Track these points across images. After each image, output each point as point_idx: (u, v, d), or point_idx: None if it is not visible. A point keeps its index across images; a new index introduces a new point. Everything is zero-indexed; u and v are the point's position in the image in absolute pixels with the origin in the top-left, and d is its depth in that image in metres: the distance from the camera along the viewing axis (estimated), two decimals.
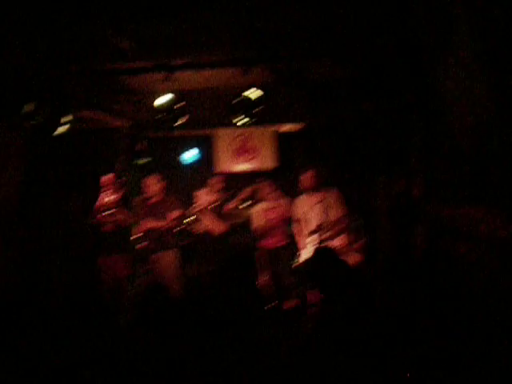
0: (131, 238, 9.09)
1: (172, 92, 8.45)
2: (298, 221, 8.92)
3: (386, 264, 8.32)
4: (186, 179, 10.69)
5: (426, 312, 5.64)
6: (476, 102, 3.77)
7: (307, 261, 5.64)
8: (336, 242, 8.46)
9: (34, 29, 6.53)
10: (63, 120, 8.10)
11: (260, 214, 9.27)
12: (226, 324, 4.64)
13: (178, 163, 11.15)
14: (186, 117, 8.49)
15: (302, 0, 6.20)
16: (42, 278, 8.03)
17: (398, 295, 6.76)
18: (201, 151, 11.16)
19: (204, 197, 8.98)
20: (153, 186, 9.10)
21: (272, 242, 9.22)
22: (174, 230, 8.98)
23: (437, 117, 5.27)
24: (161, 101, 8.42)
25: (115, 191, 9.10)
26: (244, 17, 6.60)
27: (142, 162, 10.74)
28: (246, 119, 8.36)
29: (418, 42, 5.06)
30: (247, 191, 9.83)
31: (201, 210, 8.82)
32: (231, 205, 9.64)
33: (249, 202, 9.82)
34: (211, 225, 8.80)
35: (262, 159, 11.03)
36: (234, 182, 10.51)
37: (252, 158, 11.04)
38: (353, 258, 7.99)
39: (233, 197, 9.79)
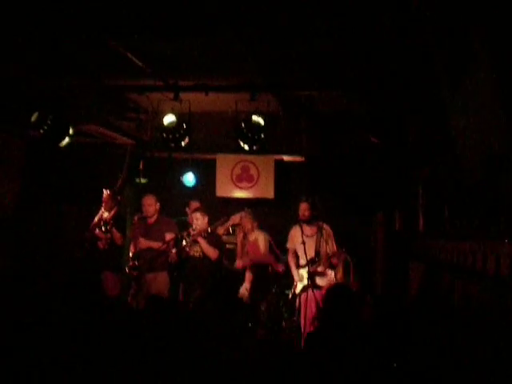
0: (127, 256, 9.03)
1: (178, 113, 8.45)
2: (292, 251, 8.88)
3: (380, 302, 8.25)
4: (185, 201, 10.63)
5: (424, 357, 5.55)
6: (488, 136, 3.77)
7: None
8: (327, 276, 8.42)
9: (44, 40, 6.52)
10: (66, 132, 8.09)
11: (241, 248, 9.36)
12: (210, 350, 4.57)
13: (178, 185, 11.11)
14: (190, 138, 8.48)
15: (313, 30, 6.19)
16: (33, 286, 7.93)
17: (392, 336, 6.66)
18: (201, 175, 11.14)
19: (201, 221, 8.92)
20: (150, 206, 9.04)
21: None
22: (168, 252, 8.91)
23: (444, 151, 5.27)
24: (167, 120, 8.41)
25: (111, 208, 9.06)
26: (254, 43, 6.62)
27: (141, 181, 10.70)
28: (250, 144, 8.36)
29: (430, 76, 5.07)
30: (234, 219, 9.80)
31: (198, 234, 8.75)
32: (220, 231, 9.62)
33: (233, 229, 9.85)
34: (206, 250, 8.73)
35: (260, 187, 11.02)
36: (232, 208, 10.48)
37: (251, 186, 11.03)
38: None
39: (223, 222, 9.75)
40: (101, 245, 8.93)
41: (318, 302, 8.04)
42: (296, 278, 8.66)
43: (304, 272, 8.51)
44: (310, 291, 8.15)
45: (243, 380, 4.35)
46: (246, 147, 8.46)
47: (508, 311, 3.87)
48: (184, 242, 8.74)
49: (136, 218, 9.26)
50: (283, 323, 9.10)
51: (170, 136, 8.55)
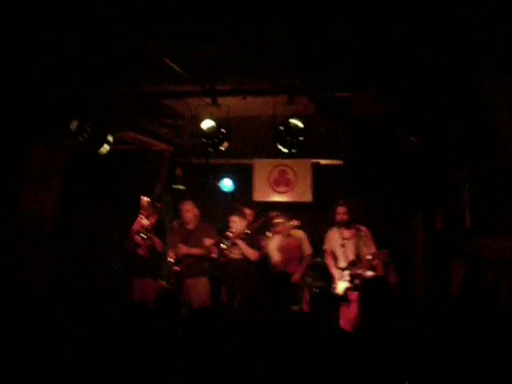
0: (167, 261, 9.09)
1: (216, 118, 8.48)
2: (329, 252, 8.87)
3: (422, 303, 8.18)
4: (223, 207, 10.68)
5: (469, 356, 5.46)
6: None
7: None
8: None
9: (81, 47, 6.59)
10: (106, 140, 8.16)
11: (275, 248, 9.25)
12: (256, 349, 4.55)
13: (216, 191, 11.15)
14: (228, 143, 8.50)
15: (349, 32, 6.18)
16: (74, 291, 8.02)
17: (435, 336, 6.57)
18: (238, 180, 11.16)
19: (239, 223, 8.96)
20: (189, 212, 9.11)
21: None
22: (208, 257, 8.96)
23: (489, 148, 5.20)
24: (205, 125, 8.44)
25: (151, 215, 9.12)
26: (290, 45, 6.63)
27: (180, 187, 10.75)
28: (289, 148, 8.36)
29: (471, 72, 5.02)
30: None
31: (236, 237, 8.80)
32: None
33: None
34: (246, 251, 8.78)
35: (298, 192, 11.01)
36: (269, 212, 10.48)
37: (288, 190, 11.03)
38: None
39: (265, 227, 9.74)
40: (141, 251, 8.99)
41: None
42: (336, 275, 8.63)
43: (345, 274, 8.49)
44: (351, 294, 8.13)
45: None
46: (285, 150, 8.46)
47: None
48: (222, 245, 8.79)
49: (176, 224, 9.31)
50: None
51: (208, 141, 8.58)
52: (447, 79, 6.33)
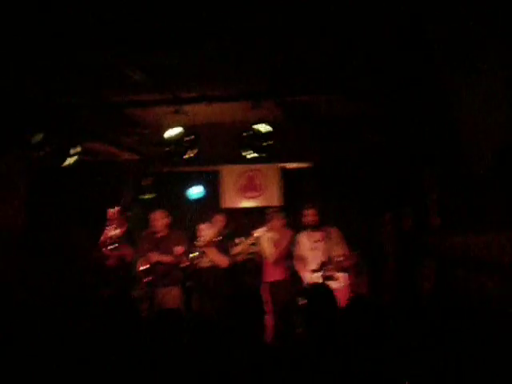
0: (138, 270, 9.02)
1: (181, 126, 8.44)
2: (301, 257, 8.85)
3: (392, 302, 8.22)
4: (192, 215, 10.64)
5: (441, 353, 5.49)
6: (498, 125, 3.75)
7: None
8: (339, 280, 8.39)
9: (42, 59, 6.52)
10: (71, 152, 8.08)
11: (270, 242, 9.15)
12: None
13: (184, 199, 11.11)
14: (195, 151, 8.46)
15: (311, 35, 6.19)
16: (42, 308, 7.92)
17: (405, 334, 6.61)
18: (207, 187, 11.13)
19: (208, 231, 8.93)
20: (159, 221, 9.06)
21: (274, 274, 9.08)
22: (180, 266, 8.91)
23: (453, 145, 5.24)
24: (170, 133, 8.40)
25: (120, 225, 9.05)
26: (254, 50, 6.62)
27: (147, 196, 10.70)
28: (255, 153, 8.35)
29: (433, 70, 5.06)
30: (255, 234, 9.67)
31: (205, 245, 8.76)
32: (241, 248, 9.53)
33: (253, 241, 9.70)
34: (216, 259, 8.75)
35: (267, 197, 11.03)
36: (239, 218, 10.48)
37: (258, 195, 11.03)
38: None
39: (235, 234, 9.70)
40: (110, 263, 8.91)
41: None
42: (307, 279, 8.62)
43: (315, 277, 8.49)
44: None
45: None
46: (251, 156, 8.45)
47: None
48: (192, 255, 8.76)
49: (145, 233, 9.25)
50: (297, 330, 9.05)
51: (174, 149, 8.54)
52: (412, 79, 6.38)
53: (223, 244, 9.03)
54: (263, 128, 8.22)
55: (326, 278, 8.30)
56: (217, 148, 10.11)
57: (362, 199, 9.92)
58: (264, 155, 8.36)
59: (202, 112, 8.52)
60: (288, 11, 5.56)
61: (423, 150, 7.03)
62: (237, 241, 9.64)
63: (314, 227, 8.65)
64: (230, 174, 11.09)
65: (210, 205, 10.89)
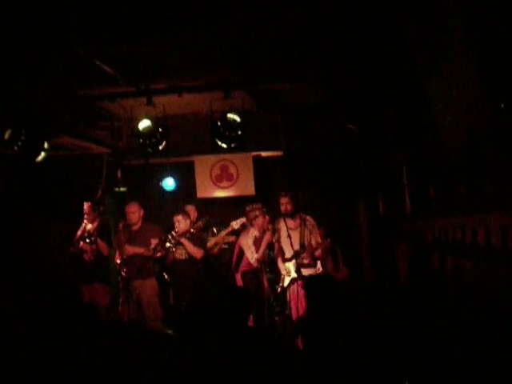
0: (115, 263, 9.00)
1: (152, 117, 8.41)
2: (278, 246, 8.88)
3: (370, 288, 8.28)
4: (166, 206, 10.60)
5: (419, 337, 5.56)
6: (468, 111, 3.79)
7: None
8: (313, 267, 8.45)
9: (10, 53, 6.44)
10: (41, 147, 8.01)
11: (252, 244, 9.12)
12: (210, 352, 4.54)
13: (158, 190, 11.07)
14: (167, 142, 8.45)
15: (280, 25, 6.19)
16: (20, 305, 7.85)
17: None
18: (180, 178, 11.10)
19: (183, 223, 8.90)
20: (134, 213, 9.00)
21: (245, 265, 9.09)
22: (155, 257, 8.90)
23: (425, 131, 5.29)
24: (142, 126, 8.36)
25: (94, 219, 9.00)
26: (224, 41, 6.61)
27: (120, 189, 10.65)
28: (228, 142, 8.36)
29: (405, 57, 5.10)
30: (234, 225, 9.63)
31: (180, 236, 8.74)
32: (217, 240, 9.51)
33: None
34: (191, 250, 8.73)
35: (240, 186, 11.00)
36: (214, 207, 10.48)
37: (231, 185, 11.02)
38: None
39: (210, 224, 9.68)
40: (86, 257, 8.87)
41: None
42: (282, 271, 8.66)
43: (291, 265, 8.53)
44: (298, 283, 8.18)
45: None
46: (224, 146, 8.45)
47: (501, 282, 3.90)
48: (168, 244, 8.73)
49: (120, 226, 9.20)
50: (276, 317, 9.11)
51: (147, 141, 8.51)
52: (383, 66, 6.41)
53: (199, 235, 9.01)
54: (237, 117, 8.22)
55: (300, 265, 8.33)
56: (189, 138, 10.10)
57: (336, 186, 9.96)
58: (235, 144, 8.37)
59: (172, 103, 8.51)
60: (256, 1, 5.56)
61: (395, 137, 7.09)
62: (214, 231, 9.65)
63: (289, 215, 8.65)
64: (204, 164, 11.05)
65: (185, 196, 10.87)
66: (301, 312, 8.16)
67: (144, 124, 8.39)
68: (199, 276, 8.85)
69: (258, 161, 10.99)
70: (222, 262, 10.08)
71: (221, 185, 11.04)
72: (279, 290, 8.77)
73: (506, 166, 3.44)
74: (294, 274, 8.41)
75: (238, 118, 8.31)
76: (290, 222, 8.63)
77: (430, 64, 4.42)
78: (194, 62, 7.28)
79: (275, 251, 8.94)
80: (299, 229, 8.64)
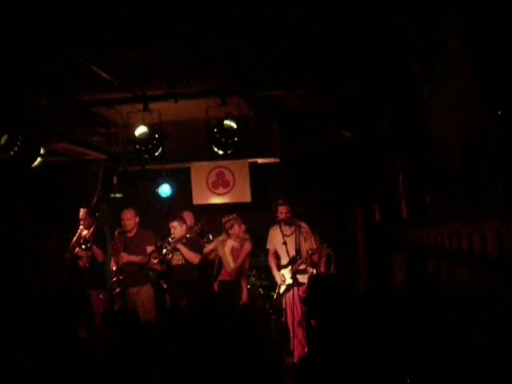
0: (109, 271, 8.97)
1: (149, 124, 8.41)
2: (272, 252, 8.88)
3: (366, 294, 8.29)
4: (163, 212, 10.60)
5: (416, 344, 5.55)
6: (465, 118, 3.80)
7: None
8: (309, 274, 8.44)
9: (7, 60, 6.43)
10: (37, 153, 7.99)
11: (230, 253, 9.12)
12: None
13: (154, 197, 11.07)
14: (163, 149, 8.45)
15: (276, 31, 6.20)
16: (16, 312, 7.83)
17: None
18: (177, 184, 11.10)
19: (179, 228, 8.90)
20: (130, 220, 9.00)
21: (225, 275, 9.07)
22: (151, 264, 8.88)
23: (421, 138, 5.30)
24: (138, 132, 8.36)
25: (90, 225, 8.99)
26: (220, 48, 6.61)
27: (116, 195, 10.64)
28: (224, 149, 8.36)
29: (400, 64, 5.10)
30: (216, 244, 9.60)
31: (177, 242, 8.74)
32: (213, 246, 9.48)
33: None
34: (188, 255, 8.72)
35: (237, 192, 11.02)
36: (210, 214, 10.47)
37: (227, 192, 11.03)
38: None
39: (207, 231, 9.68)
40: (82, 263, 8.87)
41: (302, 299, 8.11)
42: (278, 279, 8.67)
43: (286, 272, 8.53)
44: (294, 290, 8.19)
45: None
46: (220, 152, 8.45)
47: (497, 290, 3.89)
48: (165, 251, 8.72)
49: (116, 232, 9.18)
50: (271, 324, 9.12)
51: (143, 148, 8.50)
52: (378, 73, 6.41)
53: (196, 240, 9.00)
54: (233, 123, 8.23)
55: (296, 272, 8.33)
56: (186, 145, 10.10)
57: (332, 193, 9.96)
58: (232, 151, 8.38)
59: (170, 110, 8.50)
60: (253, 9, 5.56)
61: (391, 144, 7.09)
62: (210, 238, 9.65)
63: (286, 221, 8.66)
64: (200, 171, 11.07)
65: (181, 202, 10.87)
66: (297, 318, 8.18)
67: (140, 130, 8.39)
68: (196, 281, 8.85)
69: (254, 168, 11.00)
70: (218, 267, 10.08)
71: (217, 191, 11.05)
72: (275, 296, 8.78)
73: (501, 174, 3.44)
74: (289, 281, 8.41)
75: (234, 125, 8.32)
76: (286, 229, 8.65)
77: (426, 71, 4.42)
78: (190, 69, 7.28)
79: (269, 260, 8.95)
80: (294, 235, 8.64)
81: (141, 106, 8.18)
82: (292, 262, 8.39)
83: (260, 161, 10.99)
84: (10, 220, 9.46)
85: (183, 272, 8.81)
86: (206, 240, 9.62)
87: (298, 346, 8.20)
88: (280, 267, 8.72)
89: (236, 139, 8.39)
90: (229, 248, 9.03)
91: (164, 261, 8.82)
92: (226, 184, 11.02)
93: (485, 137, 3.55)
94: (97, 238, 9.02)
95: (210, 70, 7.32)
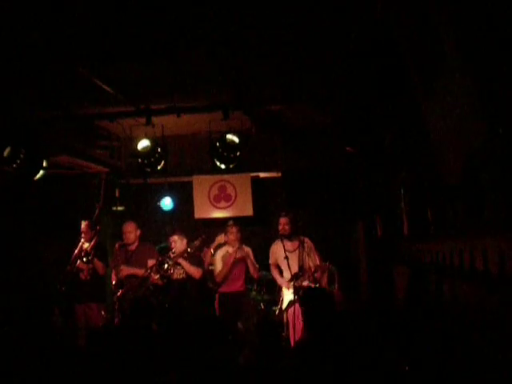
0: (111, 283, 8.95)
1: (151, 137, 8.43)
2: (275, 266, 8.86)
3: (367, 310, 8.25)
4: (164, 226, 10.60)
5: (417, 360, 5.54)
6: (466, 134, 3.80)
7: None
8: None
9: (11, 73, 6.46)
10: (40, 165, 8.02)
11: (220, 259, 9.07)
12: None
13: (156, 210, 11.08)
14: (165, 162, 8.48)
15: (279, 46, 6.23)
16: (17, 323, 7.83)
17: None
18: (178, 198, 11.11)
19: (180, 242, 8.88)
20: (131, 233, 8.97)
21: (231, 287, 9.02)
22: (152, 280, 8.85)
23: (422, 153, 5.30)
24: (141, 145, 8.39)
25: (91, 238, 8.98)
26: (223, 62, 6.64)
27: (118, 208, 10.64)
28: (227, 163, 8.38)
29: (402, 79, 5.11)
30: (220, 239, 9.60)
31: (178, 256, 8.71)
32: (208, 253, 9.47)
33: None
34: (189, 270, 8.69)
35: (238, 206, 11.01)
36: (212, 228, 10.47)
37: (229, 206, 11.02)
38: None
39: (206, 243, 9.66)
40: (83, 276, 8.84)
41: None
42: (283, 286, 8.62)
43: (290, 286, 8.50)
44: (296, 305, 8.16)
45: None
46: (222, 166, 8.48)
47: (498, 307, 3.88)
48: (166, 266, 8.69)
49: (117, 245, 9.17)
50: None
51: (145, 161, 8.53)
52: (381, 88, 6.42)
53: (197, 255, 8.98)
54: (236, 138, 8.26)
55: (299, 288, 8.30)
56: (188, 159, 10.13)
57: (334, 208, 9.95)
58: (234, 165, 8.40)
59: (172, 123, 8.54)
60: (254, 24, 5.60)
61: (393, 159, 7.09)
62: (211, 252, 9.61)
63: (287, 236, 8.64)
64: (202, 185, 11.06)
65: (183, 216, 10.88)
66: (298, 334, 8.14)
67: (143, 144, 8.42)
68: (197, 296, 8.82)
69: (256, 182, 11.01)
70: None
71: (219, 205, 11.04)
72: (277, 312, 8.75)
73: (503, 191, 3.44)
74: (291, 297, 8.38)
75: (236, 139, 8.35)
76: (288, 244, 8.61)
77: (427, 86, 4.43)
78: (193, 83, 7.31)
79: (272, 272, 8.93)
80: (297, 251, 8.61)
81: (143, 120, 8.22)
82: (294, 277, 8.36)
83: (262, 175, 11.00)
84: (12, 232, 9.45)
85: (184, 287, 8.78)
86: (205, 253, 9.52)
87: None
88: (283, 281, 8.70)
89: (238, 153, 8.42)
90: (222, 253, 8.99)
91: (165, 276, 8.79)
92: (227, 198, 11.02)
93: (486, 153, 3.55)
94: (98, 250, 8.98)
95: (212, 84, 7.36)
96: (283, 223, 8.62)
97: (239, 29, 5.68)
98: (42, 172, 8.04)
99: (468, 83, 3.54)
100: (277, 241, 8.83)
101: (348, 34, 5.71)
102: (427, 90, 4.46)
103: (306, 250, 8.60)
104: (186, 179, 11.02)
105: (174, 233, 8.99)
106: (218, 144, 8.38)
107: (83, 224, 8.98)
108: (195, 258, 8.85)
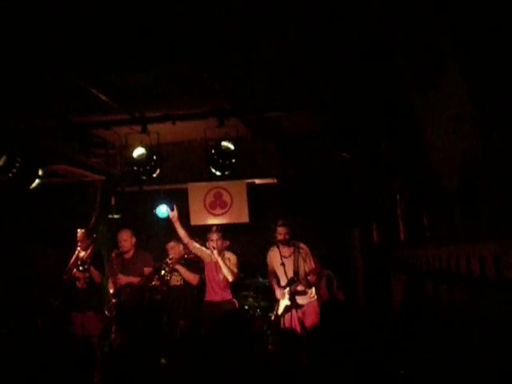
0: (108, 292, 8.94)
1: (147, 145, 8.44)
2: (271, 273, 8.85)
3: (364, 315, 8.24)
4: (160, 233, 10.58)
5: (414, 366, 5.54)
6: (462, 140, 3.82)
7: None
8: (307, 295, 8.43)
9: (6, 82, 6.46)
10: (36, 174, 8.00)
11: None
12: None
13: (152, 217, 11.06)
14: (161, 170, 8.48)
15: (274, 53, 6.25)
16: (14, 332, 7.81)
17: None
18: (174, 205, 11.09)
19: (177, 249, 8.88)
20: (126, 241, 8.96)
21: (210, 294, 8.96)
22: (155, 285, 8.85)
23: (418, 159, 5.32)
24: (136, 153, 8.40)
25: (88, 246, 8.96)
26: (218, 70, 6.66)
27: (114, 216, 10.64)
28: (222, 170, 8.39)
29: (398, 86, 5.14)
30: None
31: (175, 262, 8.71)
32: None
33: None
34: (186, 276, 8.69)
35: (234, 213, 11.02)
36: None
37: (225, 213, 11.03)
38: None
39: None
40: (79, 285, 8.82)
41: (301, 320, 8.09)
42: (279, 295, 8.61)
43: (285, 293, 8.50)
44: (292, 311, 8.16)
45: None
46: (218, 173, 8.48)
47: (494, 312, 3.89)
48: (163, 272, 8.70)
49: (113, 254, 9.17)
50: (269, 346, 9.06)
51: (141, 169, 8.54)
52: (377, 95, 6.45)
53: (194, 261, 8.96)
54: (231, 145, 8.28)
55: (294, 293, 8.30)
56: (183, 166, 10.13)
57: (330, 214, 9.96)
58: (230, 172, 8.41)
59: (167, 131, 8.54)
60: (248, 29, 5.61)
61: (389, 165, 7.11)
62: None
63: (284, 242, 8.63)
64: (197, 192, 11.07)
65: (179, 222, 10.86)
66: None
67: (138, 152, 8.43)
68: (195, 302, 8.82)
69: (251, 188, 11.01)
70: None
71: (214, 212, 11.05)
72: (273, 318, 8.74)
73: (498, 196, 3.46)
74: (287, 302, 8.38)
75: (232, 146, 8.36)
76: (284, 250, 8.60)
77: (424, 94, 4.45)
78: (188, 91, 7.32)
79: (269, 279, 8.92)
80: (293, 256, 8.60)
81: (139, 128, 8.22)
82: (290, 283, 8.35)
83: (258, 181, 11.01)
84: (7, 241, 9.43)
85: (182, 293, 8.78)
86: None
87: None
88: (280, 287, 8.70)
89: (234, 160, 8.42)
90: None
91: (163, 282, 8.79)
92: (223, 205, 11.02)
93: (482, 158, 3.57)
94: (94, 259, 8.96)
95: (207, 91, 7.36)
96: (283, 233, 8.58)
97: (233, 36, 5.70)
98: (37, 181, 8.01)
99: (464, 90, 3.56)
100: (273, 247, 8.82)
101: (344, 41, 5.73)
102: (424, 98, 4.48)
103: (302, 255, 8.59)
104: (181, 186, 11.02)
105: (170, 239, 8.99)
106: (213, 151, 8.39)
107: (79, 232, 8.96)
108: (193, 264, 8.85)
